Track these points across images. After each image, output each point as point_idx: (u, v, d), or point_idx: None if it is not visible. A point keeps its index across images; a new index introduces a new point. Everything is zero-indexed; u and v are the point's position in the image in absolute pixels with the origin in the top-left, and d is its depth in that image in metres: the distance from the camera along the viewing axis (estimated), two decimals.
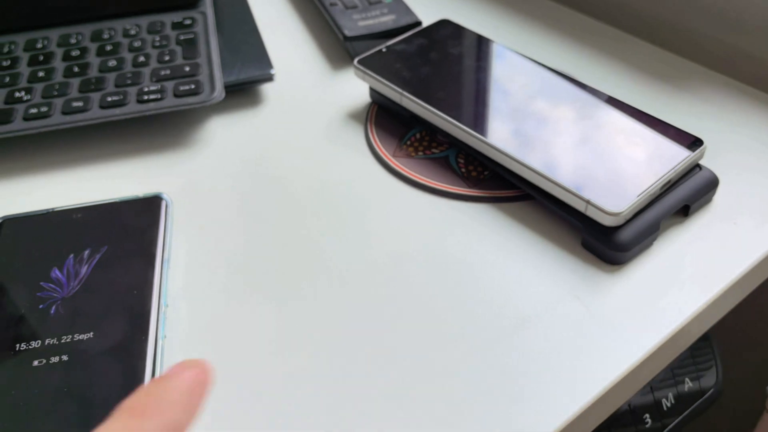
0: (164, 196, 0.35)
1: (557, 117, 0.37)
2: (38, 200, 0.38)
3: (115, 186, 0.39)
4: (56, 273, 0.31)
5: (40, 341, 0.28)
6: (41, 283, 0.31)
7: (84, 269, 0.31)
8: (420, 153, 0.40)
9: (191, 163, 0.40)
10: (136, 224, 0.34)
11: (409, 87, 0.40)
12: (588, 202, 0.33)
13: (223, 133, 0.43)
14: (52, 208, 0.35)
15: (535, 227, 0.35)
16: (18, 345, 0.28)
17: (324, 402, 0.28)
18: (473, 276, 0.33)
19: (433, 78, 0.41)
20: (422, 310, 0.31)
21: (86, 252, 0.32)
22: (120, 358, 0.28)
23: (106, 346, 0.28)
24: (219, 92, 0.42)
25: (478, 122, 0.37)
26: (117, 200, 0.35)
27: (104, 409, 0.25)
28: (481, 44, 0.44)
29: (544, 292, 0.32)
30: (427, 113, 0.39)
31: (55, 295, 0.30)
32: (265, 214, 0.37)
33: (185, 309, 0.32)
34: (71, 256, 0.32)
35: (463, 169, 0.39)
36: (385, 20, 0.48)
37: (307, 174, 0.39)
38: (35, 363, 0.28)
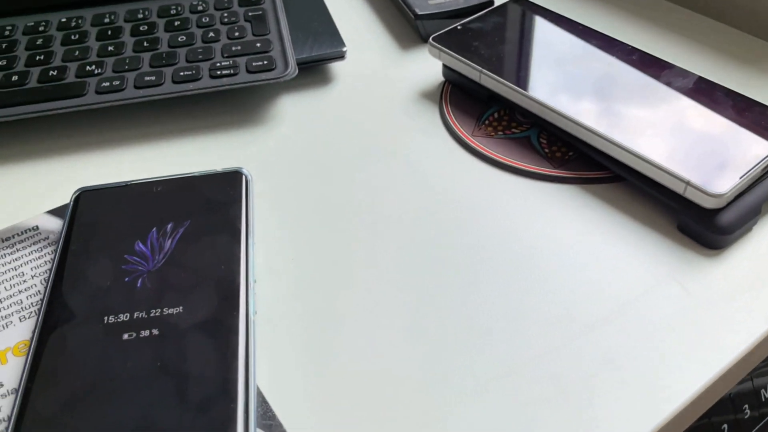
0: (244, 171, 0.34)
1: (647, 96, 0.36)
2: (111, 175, 0.38)
3: (189, 162, 0.38)
4: (140, 246, 0.31)
5: (128, 314, 0.28)
6: (125, 256, 0.30)
7: (168, 243, 0.31)
8: (499, 132, 0.39)
9: (265, 141, 0.40)
10: (218, 198, 0.33)
11: (488, 65, 0.39)
12: (688, 183, 0.31)
13: (295, 111, 0.42)
14: (130, 181, 0.34)
15: (626, 209, 0.34)
16: (106, 317, 0.28)
17: (420, 381, 0.27)
18: (565, 258, 0.32)
19: (513, 56, 0.40)
20: (512, 293, 0.30)
21: (169, 225, 0.32)
22: (212, 334, 0.27)
23: (196, 321, 0.27)
24: (292, 68, 0.41)
25: (564, 100, 0.36)
26: (197, 174, 0.34)
27: (201, 385, 0.25)
28: (559, 22, 0.42)
29: (641, 276, 0.31)
30: (509, 91, 0.38)
31: (140, 268, 0.30)
32: (342, 192, 0.36)
33: (271, 285, 0.31)
34: (154, 229, 0.31)
35: (546, 150, 0.37)
36: None
37: (383, 152, 0.38)
38: (125, 336, 0.27)
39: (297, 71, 0.41)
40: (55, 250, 0.32)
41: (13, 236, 0.34)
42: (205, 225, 0.32)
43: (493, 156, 0.37)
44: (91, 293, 0.29)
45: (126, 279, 0.29)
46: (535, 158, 0.37)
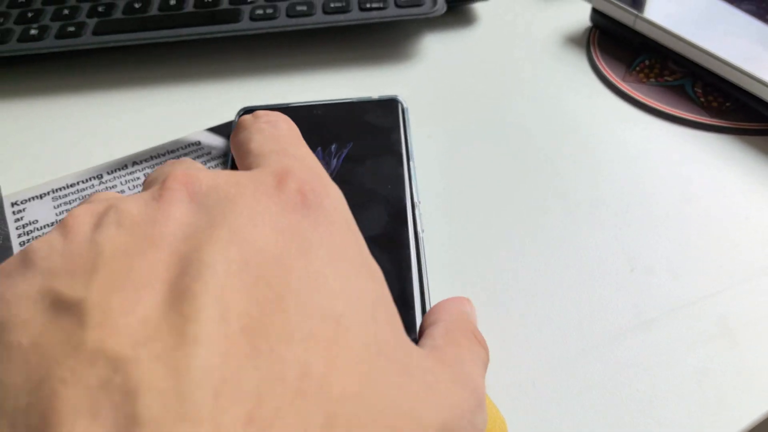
0: (400, 99, 0.35)
1: None
2: (262, 99, 0.39)
3: (334, 92, 0.39)
4: None
5: None
6: None
7: (334, 162, 0.32)
8: (651, 80, 0.38)
9: (410, 76, 0.40)
10: (377, 123, 0.33)
11: (643, 10, 0.38)
12: None
13: (440, 50, 0.42)
14: (291, 103, 0.35)
15: None
16: None
17: (579, 313, 0.27)
18: (726, 207, 0.31)
19: (670, 0, 0.39)
20: (672, 236, 0.30)
21: (333, 146, 0.32)
22: (384, 247, 0.28)
23: (366, 235, 0.28)
24: (441, 5, 0.41)
25: (727, 48, 0.35)
26: (354, 100, 0.35)
27: None
28: None
29: None
30: (668, 37, 0.37)
31: None
32: (488, 131, 0.36)
33: (433, 206, 0.32)
34: (319, 148, 0.32)
35: (702, 99, 0.37)
36: None
37: (530, 93, 0.38)
38: None
39: (445, 8, 0.41)
40: (225, 164, 0.33)
41: (178, 149, 0.35)
42: (367, 147, 0.32)
43: (646, 102, 0.37)
44: None
45: None
46: (690, 107, 0.36)
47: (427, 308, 0.25)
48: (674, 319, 0.27)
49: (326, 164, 0.32)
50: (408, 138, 0.33)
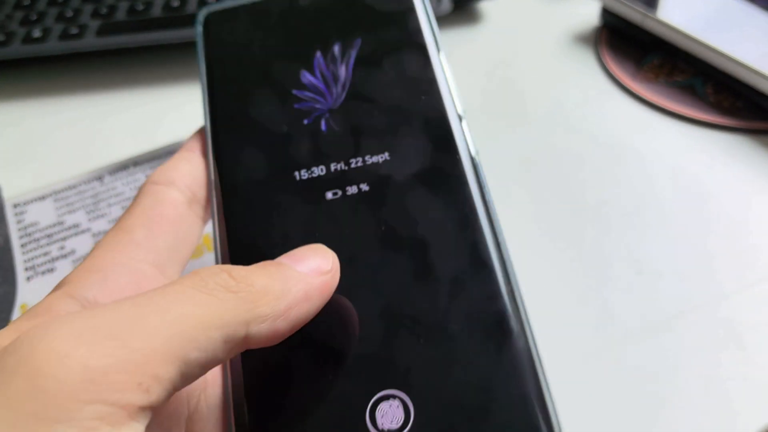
0: None
1: None
2: None
3: None
4: (308, 77, 0.23)
5: (323, 167, 0.21)
6: (293, 92, 0.23)
7: (342, 70, 0.23)
8: (661, 79, 0.37)
9: None
10: (386, 7, 0.24)
11: (654, 8, 0.38)
12: None
13: (445, 49, 0.41)
14: None
15: None
16: (298, 173, 0.21)
17: (589, 317, 0.27)
18: (739, 209, 0.30)
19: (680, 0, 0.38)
20: (681, 238, 0.29)
21: (336, 47, 0.23)
22: (435, 184, 0.20)
23: (411, 169, 0.21)
24: (446, 4, 0.40)
25: (738, 47, 0.34)
26: None
27: (442, 251, 0.19)
28: None
29: None
30: (677, 36, 0.36)
31: (317, 106, 0.22)
32: (495, 133, 0.35)
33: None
34: (318, 53, 0.23)
35: (712, 99, 0.36)
36: None
37: (537, 93, 0.37)
38: (329, 196, 0.20)
39: (451, 7, 0.40)
40: (202, 94, 0.23)
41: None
42: (381, 42, 0.23)
43: (656, 101, 0.36)
44: (270, 142, 0.22)
45: (305, 121, 0.22)
46: (700, 106, 0.35)
47: (508, 263, 0.19)
48: (681, 324, 0.26)
49: (333, 76, 0.23)
50: (432, 22, 0.24)
